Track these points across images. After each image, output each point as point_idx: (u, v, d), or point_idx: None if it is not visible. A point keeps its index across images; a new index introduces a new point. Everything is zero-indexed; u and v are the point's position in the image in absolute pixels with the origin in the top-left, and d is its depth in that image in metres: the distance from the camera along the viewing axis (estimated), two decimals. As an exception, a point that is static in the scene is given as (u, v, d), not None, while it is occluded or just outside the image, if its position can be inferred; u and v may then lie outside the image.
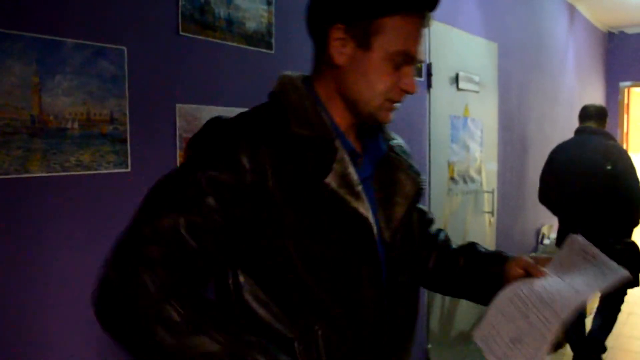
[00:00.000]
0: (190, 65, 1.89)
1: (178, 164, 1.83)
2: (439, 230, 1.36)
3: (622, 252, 3.53)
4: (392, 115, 1.09)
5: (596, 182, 3.60)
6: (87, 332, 1.65)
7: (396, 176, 1.14)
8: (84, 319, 1.63)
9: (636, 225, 3.66)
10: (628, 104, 7.65)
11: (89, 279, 1.63)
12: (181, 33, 1.85)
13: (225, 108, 1.99)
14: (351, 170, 1.02)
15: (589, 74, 6.84)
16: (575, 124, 4.10)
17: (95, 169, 1.64)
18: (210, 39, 1.94)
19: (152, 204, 0.97)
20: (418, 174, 1.18)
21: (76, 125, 1.59)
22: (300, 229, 0.97)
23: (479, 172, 3.87)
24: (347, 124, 1.09)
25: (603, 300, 4.09)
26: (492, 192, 4.04)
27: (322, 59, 1.08)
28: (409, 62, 1.04)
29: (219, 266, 1.01)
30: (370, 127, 1.14)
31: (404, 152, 1.22)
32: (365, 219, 1.02)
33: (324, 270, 1.00)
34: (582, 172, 3.67)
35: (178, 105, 1.85)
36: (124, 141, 1.70)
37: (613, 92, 7.63)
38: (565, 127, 5.93)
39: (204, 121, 1.85)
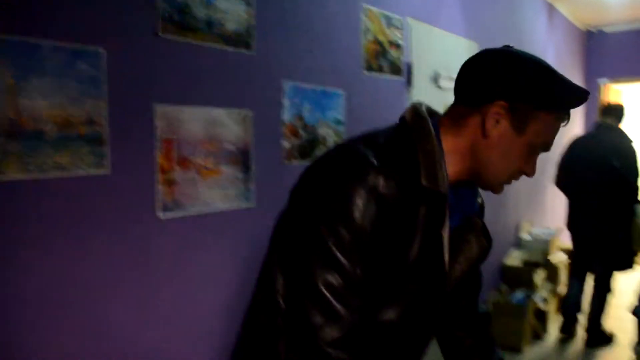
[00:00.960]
0: (170, 67, 1.89)
1: (157, 165, 1.84)
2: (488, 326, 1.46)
3: (622, 241, 4.16)
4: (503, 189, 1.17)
5: (603, 175, 4.04)
6: (61, 338, 1.66)
7: (467, 236, 1.21)
8: (60, 324, 1.63)
9: (632, 216, 3.97)
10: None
11: (69, 282, 1.64)
12: (160, 35, 1.84)
13: (205, 108, 1.99)
14: (449, 226, 1.12)
15: (568, 71, 6.91)
16: None
17: (74, 171, 1.63)
18: (189, 40, 1.94)
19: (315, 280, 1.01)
20: (488, 239, 1.25)
21: (54, 127, 1.58)
22: (414, 260, 1.06)
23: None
24: (456, 179, 1.14)
25: (595, 282, 4.45)
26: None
27: (469, 120, 1.11)
28: (543, 151, 1.11)
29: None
30: (474, 186, 1.21)
31: (482, 212, 1.31)
32: (445, 267, 1.13)
33: (410, 294, 1.10)
34: (593, 164, 4.11)
35: (157, 106, 1.84)
36: (103, 143, 1.70)
37: (592, 88, 7.71)
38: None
39: (184, 122, 1.87)
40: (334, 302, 0.99)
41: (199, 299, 2.04)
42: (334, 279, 0.99)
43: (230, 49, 2.09)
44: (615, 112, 4.29)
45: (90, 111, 1.66)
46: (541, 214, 6.00)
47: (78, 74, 1.64)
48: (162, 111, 1.86)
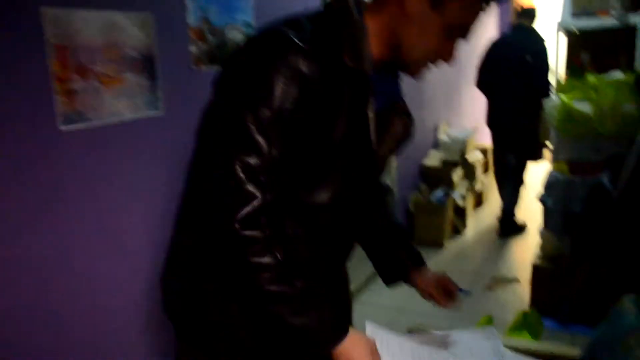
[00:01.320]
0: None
1: (52, 74, 1.71)
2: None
3: (534, 130, 4.58)
4: (422, 76, 1.18)
5: (518, 71, 4.41)
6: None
7: (392, 117, 1.24)
8: None
9: (542, 109, 4.11)
10: None
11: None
12: None
13: (99, 11, 1.86)
14: (374, 106, 1.14)
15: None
16: None
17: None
18: None
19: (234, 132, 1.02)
20: (411, 121, 1.29)
21: None
22: (340, 139, 1.09)
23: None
24: (379, 60, 1.14)
25: (511, 174, 4.82)
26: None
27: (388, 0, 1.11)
28: (460, 36, 1.11)
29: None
30: (396, 70, 1.22)
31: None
32: (375, 151, 1.17)
33: (340, 175, 1.13)
34: (509, 62, 4.47)
35: (43, 9, 1.69)
36: (-14, 50, 1.56)
37: (504, -11, 7.75)
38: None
39: (78, 27, 1.73)
40: (248, 184, 1.00)
41: (114, 209, 1.98)
42: (250, 159, 1.00)
43: (121, -56, 1.93)
44: (528, 14, 4.59)
45: (-35, 15, 1.51)
46: (458, 115, 6.16)
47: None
48: (51, 14, 1.71)
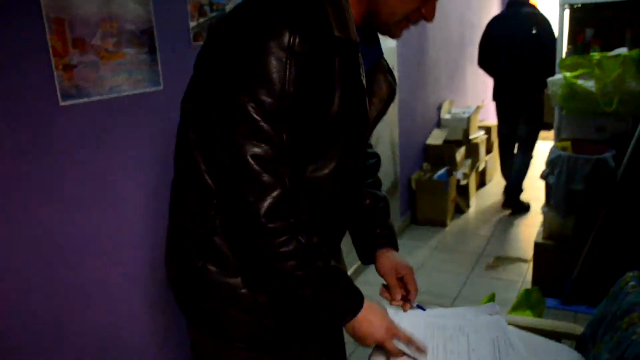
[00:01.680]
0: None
1: (50, 48, 1.69)
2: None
3: (541, 101, 4.70)
4: (402, 35, 1.18)
5: (524, 43, 4.55)
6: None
7: (376, 76, 1.24)
8: None
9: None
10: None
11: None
12: None
13: (97, -16, 1.83)
14: (364, 71, 1.13)
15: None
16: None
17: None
18: None
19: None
20: (394, 78, 1.28)
21: None
22: (338, 111, 1.07)
23: (378, 49, 3.84)
24: (360, 23, 1.15)
25: (520, 147, 4.93)
26: (392, 68, 4.05)
27: None
28: None
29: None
30: (375, 32, 1.22)
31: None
32: (368, 114, 1.16)
33: (340, 147, 1.13)
34: (514, 36, 4.60)
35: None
36: (-18, 23, 1.53)
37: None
38: (463, 2, 5.97)
39: (71, -3, 1.69)
40: (264, 175, 0.99)
41: (115, 184, 1.97)
42: (261, 150, 0.99)
43: None
44: None
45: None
46: (461, 94, 6.11)
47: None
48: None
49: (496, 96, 4.90)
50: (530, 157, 4.94)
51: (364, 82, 1.12)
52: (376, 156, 1.51)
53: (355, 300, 1.14)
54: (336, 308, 1.12)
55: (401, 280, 1.38)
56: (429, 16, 1.15)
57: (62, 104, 1.75)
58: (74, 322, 1.85)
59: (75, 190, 1.82)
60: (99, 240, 1.92)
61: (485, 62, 4.95)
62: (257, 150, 0.99)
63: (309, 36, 1.00)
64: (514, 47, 4.61)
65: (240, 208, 1.02)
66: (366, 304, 1.15)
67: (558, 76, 3.26)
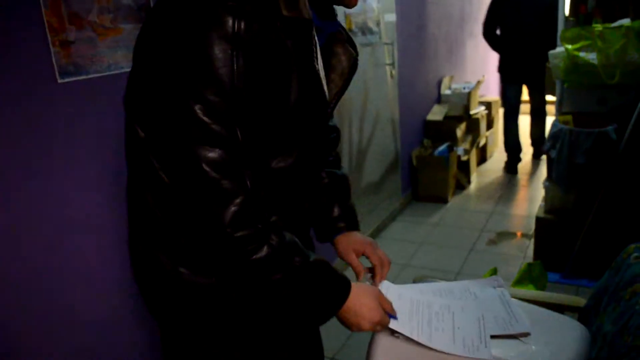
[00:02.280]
0: None
1: (46, 24, 1.66)
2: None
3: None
4: (357, 2, 1.09)
5: (533, 14, 4.74)
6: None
7: (335, 48, 1.15)
8: None
9: None
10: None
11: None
12: None
13: (92, -41, 1.80)
14: (319, 50, 1.05)
15: None
16: None
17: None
18: None
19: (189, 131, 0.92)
20: (354, 48, 1.18)
21: None
22: (295, 101, 1.00)
23: (377, 23, 3.81)
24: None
25: (534, 111, 5.33)
26: (392, 44, 4.03)
27: None
28: None
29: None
30: (329, 3, 1.11)
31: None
32: (326, 98, 1.10)
33: (300, 135, 1.06)
34: (523, 7, 4.80)
35: (36, -43, 1.64)
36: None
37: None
38: (463, -24, 5.90)
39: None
40: (223, 181, 0.92)
41: (113, 160, 1.96)
42: (216, 154, 0.91)
43: None
44: None
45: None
46: (461, 69, 6.07)
47: None
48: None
49: (502, 65, 5.13)
50: (544, 120, 5.30)
51: (320, 62, 1.04)
52: (336, 130, 1.40)
53: (342, 288, 1.08)
54: (323, 301, 1.06)
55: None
56: None
57: (60, 81, 1.73)
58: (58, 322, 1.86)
59: (72, 168, 1.81)
60: (95, 222, 1.91)
61: (491, 33, 5.12)
62: (211, 155, 0.90)
63: (255, 20, 0.89)
64: (521, 16, 4.82)
65: (203, 220, 0.95)
66: (354, 288, 1.10)
67: (559, 49, 3.24)
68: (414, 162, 4.66)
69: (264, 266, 0.98)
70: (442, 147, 4.64)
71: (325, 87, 1.07)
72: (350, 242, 1.34)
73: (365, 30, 3.60)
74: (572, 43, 3.11)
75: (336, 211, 1.36)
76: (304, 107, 1.02)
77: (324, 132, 1.17)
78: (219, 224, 0.93)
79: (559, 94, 3.45)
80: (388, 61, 4.00)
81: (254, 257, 0.96)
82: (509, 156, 5.39)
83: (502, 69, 5.16)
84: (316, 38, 1.03)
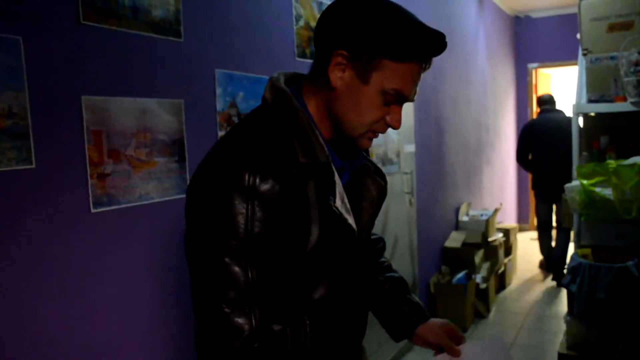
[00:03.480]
0: (95, 56, 1.83)
1: (87, 158, 1.77)
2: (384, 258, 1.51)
3: None
4: (371, 143, 1.14)
5: (560, 141, 5.25)
6: None
7: (364, 180, 1.22)
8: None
9: None
10: (536, 84, 8.00)
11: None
12: (82, 22, 1.77)
13: (134, 99, 1.94)
14: (342, 188, 1.09)
15: (499, 56, 7.11)
16: (488, 103, 6.33)
17: (-4, 167, 1.56)
18: (114, 27, 1.88)
19: (209, 296, 1.01)
20: (383, 178, 1.25)
21: (-29, 121, 1.50)
22: (317, 240, 1.05)
23: (397, 154, 3.95)
24: (332, 136, 1.13)
25: (558, 230, 5.76)
26: (411, 173, 4.14)
27: (320, 76, 1.09)
28: (400, 101, 1.07)
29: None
30: (346, 143, 1.18)
31: (368, 153, 1.31)
32: (354, 230, 1.11)
33: (328, 268, 1.11)
34: (552, 132, 5.55)
35: (84, 97, 1.78)
36: (26, 136, 1.62)
37: (522, 73, 7.96)
38: (479, 106, 6.15)
39: (113, 113, 1.81)
40: (232, 315, 0.98)
41: (135, 290, 1.99)
42: (231, 292, 0.98)
43: (158, 36, 2.04)
44: (550, 100, 5.85)
45: (10, 103, 1.59)
46: (478, 196, 6.16)
47: (-5, 64, 1.56)
48: (89, 102, 1.79)
49: (535, 185, 5.82)
50: (569, 235, 5.51)
51: (340, 199, 1.08)
52: (381, 240, 1.50)
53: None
54: None
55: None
56: (395, 123, 1.09)
57: (93, 211, 1.81)
58: None
59: (99, 293, 1.85)
60: (119, 344, 1.92)
61: (524, 158, 5.87)
62: (227, 294, 0.98)
63: (271, 172, 0.98)
64: (549, 144, 5.55)
65: (212, 348, 1.00)
66: None
67: (575, 183, 3.30)
68: (432, 289, 4.62)
69: None
70: (460, 275, 4.62)
71: (350, 220, 1.10)
72: (434, 328, 1.39)
73: (385, 160, 3.74)
74: (587, 178, 3.18)
75: (406, 310, 1.43)
76: (327, 245, 1.07)
77: (359, 257, 1.20)
78: (230, 352, 0.99)
79: (577, 226, 3.48)
80: (407, 190, 4.10)
81: None
82: (547, 263, 5.97)
83: (534, 188, 5.86)
84: (336, 177, 1.07)
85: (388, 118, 1.08)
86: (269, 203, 0.98)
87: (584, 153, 3.60)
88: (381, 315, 1.46)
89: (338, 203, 1.06)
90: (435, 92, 4.84)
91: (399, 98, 1.06)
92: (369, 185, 1.22)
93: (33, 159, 1.64)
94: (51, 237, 1.70)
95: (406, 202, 4.11)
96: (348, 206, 1.11)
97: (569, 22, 6.83)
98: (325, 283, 1.11)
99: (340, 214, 1.07)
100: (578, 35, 3.57)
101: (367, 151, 1.30)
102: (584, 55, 3.50)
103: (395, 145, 3.92)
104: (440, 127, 4.96)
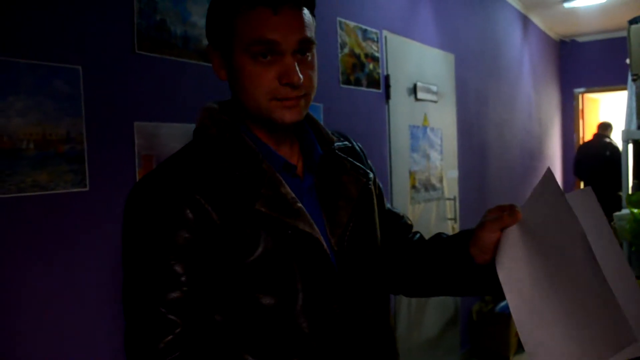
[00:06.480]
0: (148, 83, 1.90)
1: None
2: (416, 234, 1.29)
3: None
4: (293, 114, 1.00)
5: (601, 163, 6.43)
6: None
7: (339, 179, 1.10)
8: (50, 342, 1.62)
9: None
10: (583, 110, 7.87)
11: (49, 300, 1.63)
12: (137, 51, 1.85)
13: (183, 125, 2.00)
14: (284, 189, 1.00)
15: (544, 81, 7.03)
16: (533, 128, 6.53)
17: (53, 189, 1.62)
18: (166, 56, 1.95)
19: (133, 306, 0.99)
20: (363, 174, 1.13)
21: (31, 145, 1.58)
22: (252, 254, 0.96)
23: (440, 180, 3.93)
24: (272, 137, 1.06)
25: None
26: (454, 199, 4.11)
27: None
28: (271, 49, 0.97)
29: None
30: (303, 132, 1.12)
31: (354, 152, 1.19)
32: (309, 234, 0.99)
33: (283, 287, 0.99)
34: (594, 157, 6.67)
35: (136, 123, 1.85)
36: (82, 160, 1.69)
37: (568, 98, 7.85)
38: (524, 132, 6.08)
39: (162, 138, 1.87)
40: (167, 313, 0.95)
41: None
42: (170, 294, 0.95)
43: (207, 64, 2.10)
44: (608, 127, 6.84)
45: (68, 129, 1.66)
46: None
47: (55, 92, 1.63)
48: (141, 127, 1.86)
49: None
50: None
51: (293, 202, 1.00)
52: (403, 217, 1.30)
53: None
54: None
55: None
56: (289, 79, 0.97)
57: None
58: None
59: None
60: None
61: (579, 171, 7.01)
62: (166, 295, 0.95)
63: (210, 199, 0.95)
64: (595, 164, 6.56)
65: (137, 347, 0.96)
66: None
67: (625, 211, 3.22)
68: (474, 317, 4.54)
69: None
70: (503, 303, 4.53)
71: (304, 225, 0.99)
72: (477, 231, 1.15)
73: (428, 186, 3.72)
74: (638, 207, 3.10)
75: (444, 236, 1.23)
76: (276, 254, 0.98)
77: (334, 267, 1.04)
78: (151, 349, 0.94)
79: (627, 255, 3.38)
80: (450, 216, 4.07)
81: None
82: None
83: None
84: (271, 177, 1.00)
85: (284, 79, 0.97)
86: (204, 228, 0.95)
87: (634, 181, 3.52)
88: (429, 265, 1.19)
89: (265, 209, 0.96)
90: (479, 117, 4.81)
91: (269, 49, 0.96)
92: (347, 183, 1.10)
93: (87, 182, 1.71)
94: (102, 258, 1.76)
95: (449, 228, 4.08)
96: (301, 210, 1.00)
97: (617, 46, 6.70)
98: (277, 291, 0.98)
99: (270, 217, 0.97)
100: (628, 60, 3.51)
101: (354, 146, 1.20)
102: (634, 80, 3.44)
103: (439, 170, 3.90)
104: (484, 153, 4.92)
